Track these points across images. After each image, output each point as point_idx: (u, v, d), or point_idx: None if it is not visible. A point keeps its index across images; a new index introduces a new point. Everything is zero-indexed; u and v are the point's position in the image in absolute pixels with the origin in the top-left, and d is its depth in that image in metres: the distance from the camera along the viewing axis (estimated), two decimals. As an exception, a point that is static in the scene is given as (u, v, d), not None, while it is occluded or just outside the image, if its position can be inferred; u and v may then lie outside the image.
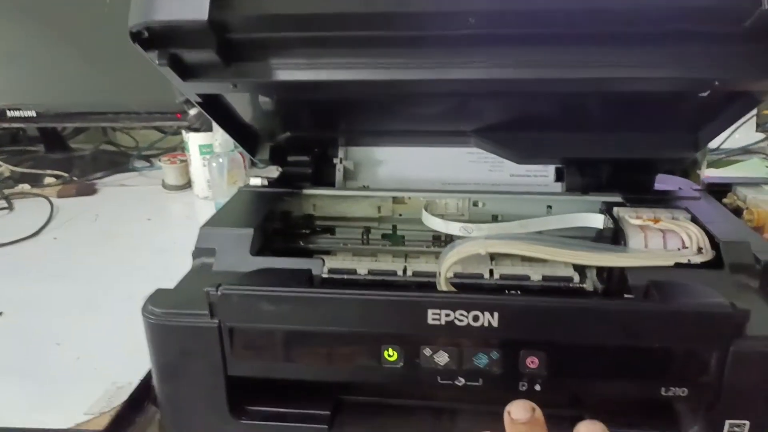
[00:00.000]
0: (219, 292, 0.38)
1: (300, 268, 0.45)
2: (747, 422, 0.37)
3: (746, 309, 0.34)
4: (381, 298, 0.37)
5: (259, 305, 0.38)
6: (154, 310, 0.40)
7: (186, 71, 0.43)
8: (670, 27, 0.39)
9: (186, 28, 0.38)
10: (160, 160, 1.08)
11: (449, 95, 0.54)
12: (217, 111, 0.54)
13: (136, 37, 0.39)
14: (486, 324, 0.36)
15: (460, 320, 0.36)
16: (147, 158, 1.22)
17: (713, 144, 1.03)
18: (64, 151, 1.22)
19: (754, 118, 1.07)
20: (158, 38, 0.40)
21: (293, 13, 0.38)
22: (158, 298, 0.42)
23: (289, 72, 0.41)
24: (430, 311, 0.37)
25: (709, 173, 0.95)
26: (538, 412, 0.29)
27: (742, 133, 1.05)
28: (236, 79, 0.42)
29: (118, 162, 1.19)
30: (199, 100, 0.48)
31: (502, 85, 0.41)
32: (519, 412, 0.28)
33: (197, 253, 0.49)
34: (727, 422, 0.37)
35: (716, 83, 0.40)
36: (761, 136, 1.07)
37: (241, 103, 0.56)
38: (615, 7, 0.37)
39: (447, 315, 0.37)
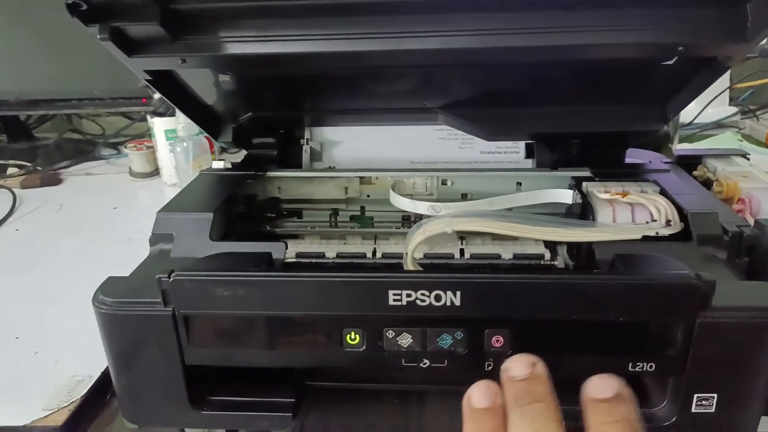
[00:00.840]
0: (171, 279, 0.37)
1: (259, 252, 0.43)
2: (715, 395, 0.36)
3: (712, 279, 0.34)
4: (339, 279, 0.36)
5: (214, 291, 0.37)
6: (105, 300, 0.39)
7: (131, 46, 0.40)
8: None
9: (125, -1, 0.36)
10: (126, 147, 1.05)
11: (414, 70, 0.52)
12: (171, 90, 0.51)
13: (73, 9, 0.37)
14: (448, 303, 0.35)
15: (422, 300, 0.35)
16: (114, 146, 1.18)
17: (686, 118, 1.03)
18: (27, 140, 1.18)
19: (727, 92, 1.07)
20: (98, 11, 0.37)
21: (239, -19, 0.36)
22: (110, 286, 0.40)
23: (240, 45, 0.39)
24: (390, 292, 0.35)
25: (681, 147, 0.95)
26: (540, 366, 0.25)
27: (715, 107, 1.06)
28: (184, 54, 0.40)
29: (84, 150, 1.16)
30: (148, 77, 0.45)
31: (461, 55, 0.39)
32: (517, 368, 0.25)
33: (155, 239, 0.47)
34: (695, 396, 0.36)
35: (680, 49, 0.39)
36: (734, 110, 1.08)
37: (198, 81, 0.53)
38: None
39: (408, 295, 0.35)
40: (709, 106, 1.03)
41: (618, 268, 0.39)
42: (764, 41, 1.00)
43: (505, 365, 0.26)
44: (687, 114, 1.03)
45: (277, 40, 0.39)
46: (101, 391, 0.50)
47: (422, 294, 0.35)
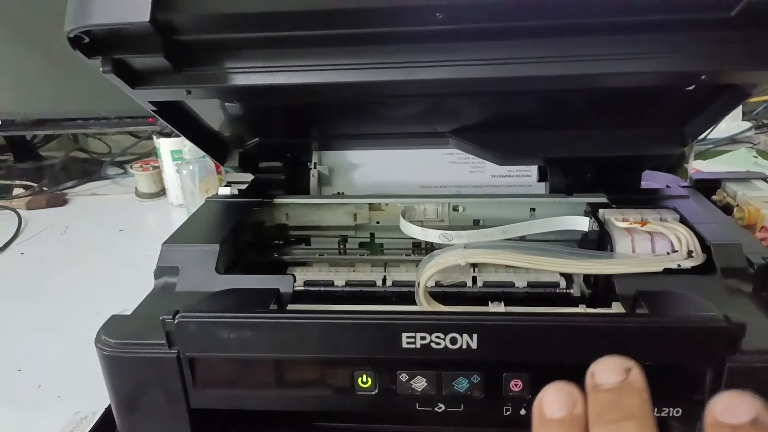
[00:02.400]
0: (176, 320, 0.35)
1: (267, 288, 0.42)
2: (745, 440, 0.34)
3: (742, 322, 0.32)
4: (350, 321, 0.34)
5: (219, 333, 0.35)
6: (108, 341, 0.37)
7: (134, 78, 0.39)
8: (653, 17, 0.36)
9: (128, 31, 0.34)
10: (132, 167, 1.04)
11: (424, 95, 0.51)
12: (176, 118, 0.50)
13: (75, 43, 0.36)
14: (464, 346, 0.34)
15: (437, 343, 0.34)
16: (121, 164, 1.18)
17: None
18: (33, 160, 1.18)
19: (740, 106, 1.05)
20: (100, 43, 0.36)
21: (243, 12, 0.35)
22: (113, 326, 0.39)
23: (245, 77, 0.38)
24: (404, 334, 0.34)
25: (696, 165, 0.93)
26: (636, 373, 0.20)
27: (728, 122, 1.04)
28: (189, 85, 0.39)
29: (90, 170, 1.15)
30: (153, 108, 0.44)
31: (474, 84, 0.38)
32: (606, 373, 0.20)
33: (159, 272, 0.46)
34: (725, 441, 0.34)
35: (703, 77, 0.37)
36: (748, 124, 1.06)
37: (204, 108, 0.52)
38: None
39: (422, 338, 0.34)
40: (722, 121, 1.02)
41: (641, 305, 0.37)
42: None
43: (592, 369, 0.21)
44: (700, 130, 1.01)
45: (284, 70, 0.38)
46: (105, 429, 0.48)
47: (437, 337, 0.34)
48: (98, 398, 0.49)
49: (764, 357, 0.33)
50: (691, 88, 0.42)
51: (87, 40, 0.36)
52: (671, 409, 0.34)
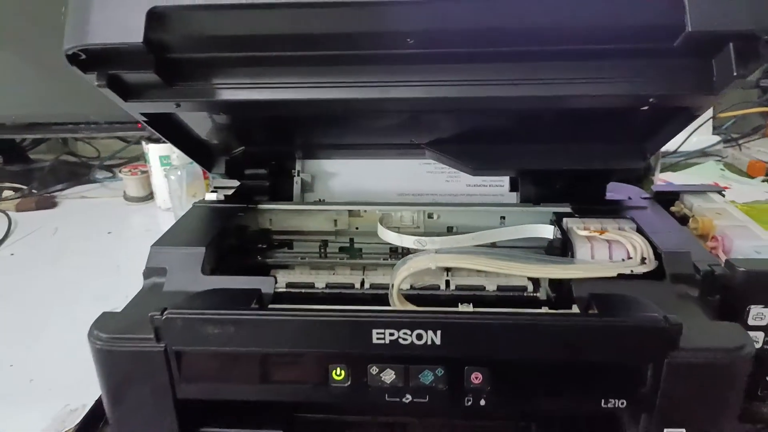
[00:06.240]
0: (164, 316, 0.38)
1: (249, 288, 0.45)
2: (683, 430, 0.38)
3: (679, 323, 0.35)
4: (325, 318, 0.38)
5: (204, 328, 0.38)
6: (100, 335, 0.40)
7: (127, 92, 0.42)
8: (606, 46, 0.40)
9: (122, 49, 0.37)
10: (120, 171, 1.06)
11: (401, 110, 0.54)
12: (166, 127, 0.53)
13: (72, 59, 0.39)
14: (429, 342, 0.37)
15: (404, 339, 0.37)
16: (109, 168, 1.20)
17: (671, 147, 1.06)
18: (23, 163, 1.19)
19: (711, 121, 1.10)
20: (96, 60, 0.39)
21: (231, 35, 0.38)
22: (104, 322, 0.41)
23: (231, 92, 0.41)
24: (374, 330, 0.37)
25: (666, 177, 0.97)
26: None
27: (699, 135, 1.08)
28: (179, 99, 0.42)
29: (79, 173, 1.17)
30: (144, 119, 0.47)
31: (443, 103, 0.41)
32: None
33: (148, 272, 0.49)
34: (665, 430, 0.38)
35: (651, 100, 0.41)
36: (717, 138, 1.10)
37: (193, 119, 0.55)
38: (547, 26, 0.37)
39: (391, 334, 0.37)
40: (693, 134, 1.06)
41: (593, 307, 0.41)
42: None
43: None
44: (671, 142, 1.05)
45: (268, 87, 0.41)
46: (94, 420, 0.50)
47: (404, 333, 0.37)
48: (87, 392, 0.52)
49: (700, 354, 0.36)
50: (645, 108, 0.45)
51: (84, 57, 0.39)
52: (617, 401, 0.38)
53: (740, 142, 1.10)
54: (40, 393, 0.54)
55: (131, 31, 0.36)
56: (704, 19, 0.34)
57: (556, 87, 0.41)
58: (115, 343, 0.39)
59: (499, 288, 0.53)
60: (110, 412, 0.42)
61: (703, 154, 1.10)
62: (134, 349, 0.39)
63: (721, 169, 1.01)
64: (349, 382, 0.39)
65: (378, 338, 0.37)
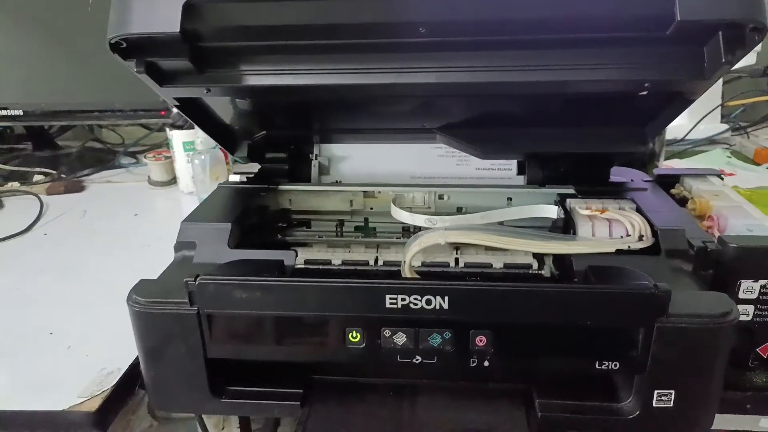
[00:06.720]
0: (197, 282, 0.42)
1: (273, 259, 0.49)
2: (673, 392, 0.41)
3: (668, 290, 0.38)
4: (342, 285, 0.41)
5: (234, 293, 0.42)
6: (138, 299, 0.44)
7: (163, 77, 0.46)
8: (604, 35, 0.43)
9: (160, 39, 0.41)
10: (145, 157, 1.11)
11: (413, 96, 0.57)
12: (195, 112, 0.57)
13: (114, 47, 0.42)
14: (438, 307, 0.40)
15: (415, 303, 0.40)
16: (133, 155, 1.25)
17: (679, 134, 1.08)
18: (51, 149, 1.24)
19: (719, 109, 1.12)
20: (135, 48, 0.43)
21: (258, 25, 0.41)
22: (142, 288, 0.45)
23: (257, 78, 0.45)
24: (387, 296, 0.41)
25: (672, 163, 0.99)
26: None
27: (707, 123, 1.10)
28: (209, 85, 0.46)
29: (104, 159, 1.22)
30: (176, 103, 0.51)
31: (453, 88, 0.44)
32: None
33: (179, 246, 0.53)
34: (656, 392, 0.41)
35: (647, 85, 0.44)
36: (725, 126, 1.12)
37: (218, 104, 0.59)
38: (551, 16, 0.41)
39: (403, 299, 0.40)
40: (701, 122, 1.08)
41: (590, 278, 0.44)
42: (754, 62, 1.04)
43: None
44: (680, 130, 1.07)
45: (290, 73, 0.45)
46: (129, 382, 0.55)
47: (415, 298, 0.40)
48: (120, 357, 0.56)
49: (688, 319, 0.39)
50: (643, 93, 0.48)
51: (125, 45, 0.43)
52: (611, 363, 0.41)
53: (748, 130, 1.12)
54: (78, 358, 0.58)
55: (169, 22, 0.40)
56: (692, 9, 0.37)
57: (560, 72, 0.44)
58: (153, 306, 0.44)
59: (506, 266, 0.56)
60: (146, 371, 0.47)
61: (711, 142, 1.11)
62: (170, 312, 0.43)
63: (728, 157, 1.02)
64: (364, 344, 0.42)
65: (391, 303, 0.41)
